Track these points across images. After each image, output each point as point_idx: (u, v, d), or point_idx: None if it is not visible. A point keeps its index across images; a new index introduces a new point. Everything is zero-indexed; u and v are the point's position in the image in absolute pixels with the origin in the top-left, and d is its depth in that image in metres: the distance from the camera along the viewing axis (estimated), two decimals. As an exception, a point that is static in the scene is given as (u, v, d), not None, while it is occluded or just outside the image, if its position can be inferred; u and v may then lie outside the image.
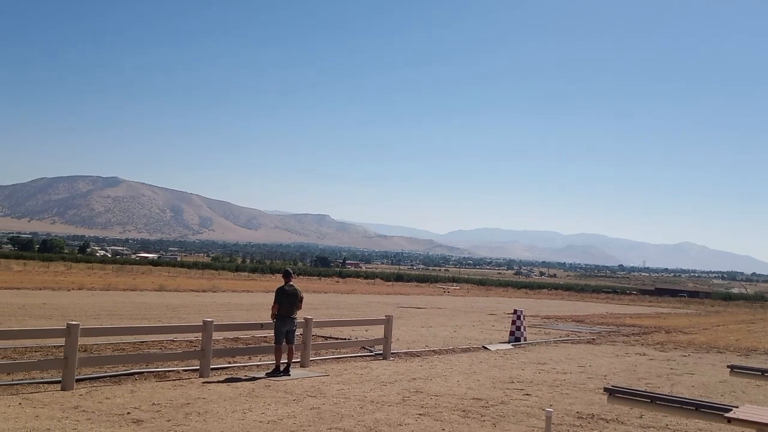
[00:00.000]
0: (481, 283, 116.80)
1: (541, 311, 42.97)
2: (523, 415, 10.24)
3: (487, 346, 20.12)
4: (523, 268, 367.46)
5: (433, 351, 18.15)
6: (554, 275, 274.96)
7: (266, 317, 15.17)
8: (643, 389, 11.02)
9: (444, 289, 30.88)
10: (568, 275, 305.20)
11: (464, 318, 33.29)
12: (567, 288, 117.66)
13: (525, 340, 22.05)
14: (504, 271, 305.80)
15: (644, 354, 20.54)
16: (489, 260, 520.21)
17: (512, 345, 20.96)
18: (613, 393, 8.29)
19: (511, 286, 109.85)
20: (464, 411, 10.28)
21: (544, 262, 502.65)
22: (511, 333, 22.17)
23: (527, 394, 12.14)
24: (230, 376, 12.62)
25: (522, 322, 22.23)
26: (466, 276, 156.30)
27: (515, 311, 22.74)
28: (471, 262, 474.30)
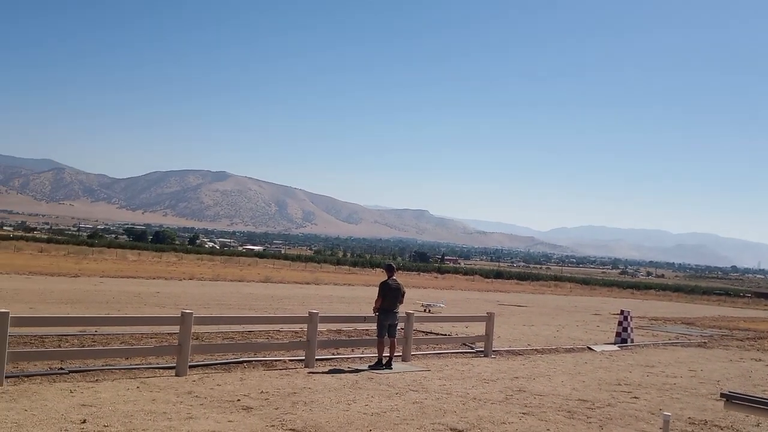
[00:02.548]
0: (585, 282, 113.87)
1: (648, 312, 41.54)
2: (631, 419, 9.94)
3: (592, 346, 19.65)
4: (629, 267, 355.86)
5: (536, 350, 17.88)
6: (662, 275, 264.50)
7: (367, 310, 15.34)
8: (762, 396, 10.48)
9: (424, 307, 29.10)
10: (676, 276, 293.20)
11: (567, 317, 32.62)
12: (676, 289, 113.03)
13: (632, 341, 21.38)
14: (609, 271, 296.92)
15: (760, 360, 19.52)
16: (593, 259, 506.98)
17: (618, 346, 20.38)
18: (730, 399, 7.93)
19: (617, 286, 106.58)
20: (569, 412, 10.08)
21: (651, 261, 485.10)
22: (618, 334, 21.54)
23: (635, 397, 11.78)
24: (334, 368, 12.87)
25: (629, 323, 21.57)
26: (568, 274, 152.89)
27: (622, 312, 22.09)
28: (574, 260, 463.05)
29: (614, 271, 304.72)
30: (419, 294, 41.69)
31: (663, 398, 11.92)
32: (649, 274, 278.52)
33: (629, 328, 21.57)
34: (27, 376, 10.09)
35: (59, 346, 12.83)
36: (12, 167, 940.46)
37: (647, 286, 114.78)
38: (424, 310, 29.85)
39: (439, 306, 31.75)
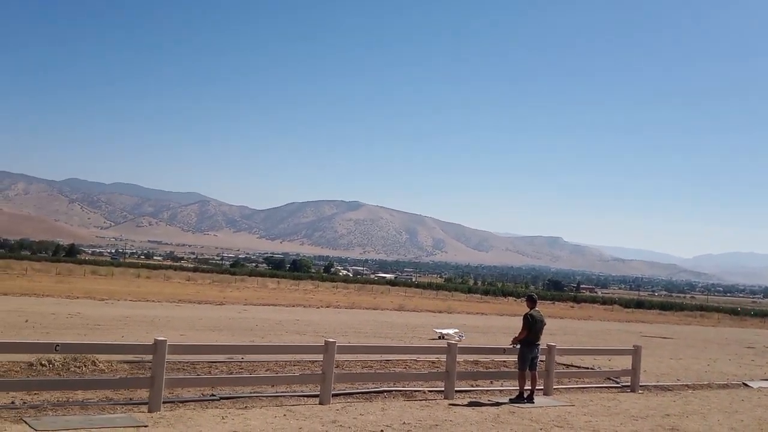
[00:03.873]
0: (734, 312, 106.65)
1: (809, 346, 38.28)
2: (801, 465, 9.14)
3: (747, 382, 18.31)
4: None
5: (686, 385, 16.86)
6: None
7: (502, 341, 15.10)
8: None
9: (440, 335, 25.65)
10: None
11: (718, 350, 30.64)
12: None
13: (793, 378, 19.76)
14: (760, 300, 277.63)
15: None
16: (742, 287, 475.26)
17: (778, 383, 18.87)
18: None
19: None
20: (730, 455, 9.40)
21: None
22: (777, 370, 19.97)
23: (803, 441, 10.84)
24: (473, 400, 12.69)
25: (790, 359, 19.96)
26: (715, 304, 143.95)
27: (781, 346, 20.48)
28: (720, 288, 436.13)
29: (766, 300, 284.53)
30: (556, 325, 40.53)
31: (837, 443, 10.90)
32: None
33: (790, 364, 19.95)
34: (182, 402, 10.60)
35: (210, 373, 13.43)
36: (162, 201, 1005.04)
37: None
38: (439, 338, 25.86)
39: (456, 335, 26.35)
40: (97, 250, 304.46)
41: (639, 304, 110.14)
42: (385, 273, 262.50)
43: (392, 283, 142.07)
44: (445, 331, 27.03)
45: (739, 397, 15.70)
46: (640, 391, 15.21)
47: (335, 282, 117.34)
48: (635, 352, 15.71)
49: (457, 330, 27.65)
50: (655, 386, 16.22)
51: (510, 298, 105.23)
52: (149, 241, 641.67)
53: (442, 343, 14.96)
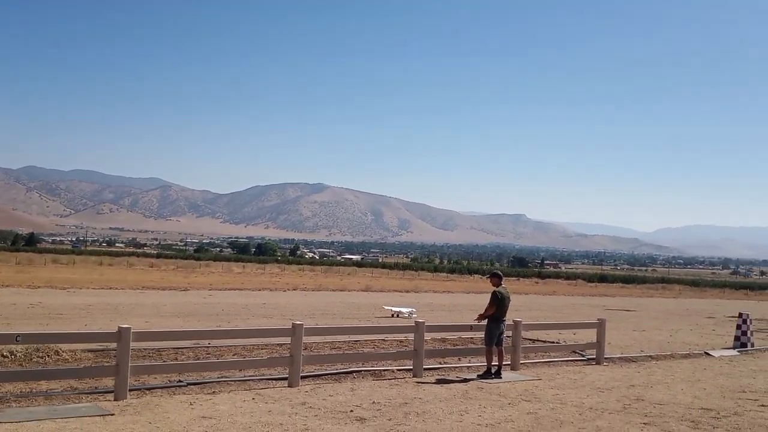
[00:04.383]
0: (694, 284, 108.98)
1: (766, 314, 39.30)
2: (761, 429, 9.38)
3: (709, 352, 18.73)
4: (741, 267, 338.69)
5: (650, 356, 17.19)
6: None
7: (469, 318, 15.20)
8: None
9: (393, 313, 26.06)
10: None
11: (680, 321, 31.29)
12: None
13: (752, 346, 20.24)
14: (719, 271, 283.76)
15: None
16: (701, 259, 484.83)
17: (738, 351, 19.33)
18: None
19: (728, 287, 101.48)
20: (693, 422, 9.60)
21: (766, 260, 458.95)
22: (737, 338, 20.43)
23: (763, 405, 11.11)
24: (442, 377, 12.77)
25: (748, 327, 20.43)
26: (676, 276, 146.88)
27: (741, 314, 20.94)
28: (681, 261, 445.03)
29: (725, 271, 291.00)
30: (521, 301, 40.96)
31: (795, 407, 11.19)
32: (763, 273, 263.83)
33: (749, 332, 20.45)
34: (148, 389, 10.48)
35: (176, 359, 13.29)
36: (122, 187, 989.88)
37: (762, 287, 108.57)
38: (392, 316, 26.04)
39: (408, 313, 26.44)
40: (58, 239, 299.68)
41: (602, 279, 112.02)
42: (351, 255, 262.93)
43: (359, 264, 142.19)
44: (397, 309, 27.18)
45: (702, 366, 16.04)
46: (605, 364, 15.45)
47: (301, 265, 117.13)
48: (600, 326, 15.94)
49: (411, 309, 27.77)
50: (619, 358, 16.50)
51: (476, 275, 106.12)
52: (111, 228, 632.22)
53: (410, 323, 15.02)
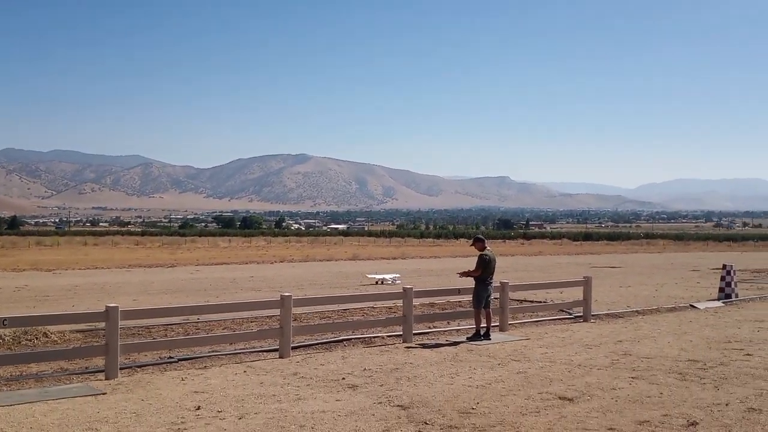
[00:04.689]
0: (678, 237, 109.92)
1: (749, 265, 39.82)
2: (748, 377, 9.53)
3: (694, 304, 18.96)
4: (724, 219, 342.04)
5: (636, 311, 17.38)
6: (759, 225, 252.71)
7: (456, 282, 15.28)
8: None
9: (378, 280, 26.62)
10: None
11: (664, 275, 31.62)
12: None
13: (737, 296, 20.52)
14: (702, 224, 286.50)
15: None
16: (685, 213, 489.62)
17: (723, 302, 19.60)
18: None
19: (712, 240, 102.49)
20: (680, 374, 9.74)
21: (747, 212, 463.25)
22: (721, 289, 20.69)
23: (748, 354, 11.29)
24: (432, 341, 12.86)
25: (732, 278, 20.70)
26: (660, 231, 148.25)
27: (724, 266, 21.20)
28: (665, 216, 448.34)
29: (708, 224, 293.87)
30: (507, 262, 41.23)
31: (779, 354, 11.38)
32: (745, 225, 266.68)
33: (733, 283, 20.71)
34: (139, 367, 10.48)
35: (166, 336, 13.29)
36: (103, 166, 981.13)
37: (744, 238, 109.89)
38: (376, 284, 25.73)
39: (392, 280, 26.39)
40: (41, 221, 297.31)
41: (587, 237, 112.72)
42: (337, 224, 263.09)
43: (345, 233, 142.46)
44: (381, 276, 27.20)
45: (687, 318, 16.25)
46: (592, 321, 15.62)
47: (287, 236, 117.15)
48: (586, 283, 16.08)
49: (395, 275, 27.72)
50: (606, 314, 16.67)
51: (462, 239, 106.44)
52: (93, 207, 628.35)
53: (398, 289, 15.06)
